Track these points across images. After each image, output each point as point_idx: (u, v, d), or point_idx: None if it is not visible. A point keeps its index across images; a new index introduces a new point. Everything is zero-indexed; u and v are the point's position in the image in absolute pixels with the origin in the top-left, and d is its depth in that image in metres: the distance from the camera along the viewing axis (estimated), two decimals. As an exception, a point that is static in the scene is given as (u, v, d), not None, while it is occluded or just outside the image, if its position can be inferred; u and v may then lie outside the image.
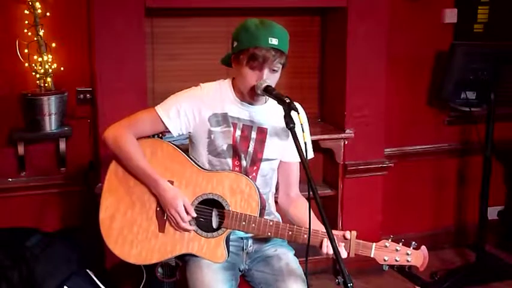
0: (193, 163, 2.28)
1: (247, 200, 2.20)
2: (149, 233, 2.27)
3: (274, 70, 2.18)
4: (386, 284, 3.71)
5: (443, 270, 3.77)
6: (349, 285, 1.82)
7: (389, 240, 2.15)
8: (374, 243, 2.14)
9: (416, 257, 2.14)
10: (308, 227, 2.05)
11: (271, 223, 2.17)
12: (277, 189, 2.48)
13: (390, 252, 2.14)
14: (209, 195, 2.23)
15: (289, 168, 2.39)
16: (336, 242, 1.96)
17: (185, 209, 2.20)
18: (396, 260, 2.14)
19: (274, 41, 2.12)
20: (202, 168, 2.28)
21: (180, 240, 2.24)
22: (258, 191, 2.22)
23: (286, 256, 2.33)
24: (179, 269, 2.39)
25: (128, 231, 2.28)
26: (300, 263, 2.32)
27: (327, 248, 2.12)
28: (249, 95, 2.22)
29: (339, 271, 1.87)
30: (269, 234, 2.18)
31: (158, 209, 2.27)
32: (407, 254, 2.14)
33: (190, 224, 2.23)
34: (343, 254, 2.10)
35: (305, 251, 2.05)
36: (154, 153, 2.29)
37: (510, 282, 3.68)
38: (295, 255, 2.37)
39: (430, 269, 3.81)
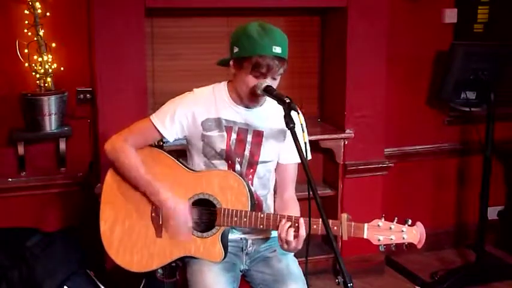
0: (183, 166, 2.31)
1: (237, 195, 2.21)
2: (147, 239, 2.29)
3: (275, 78, 2.18)
4: (386, 284, 3.71)
5: (443, 270, 3.77)
6: (349, 285, 1.81)
7: (383, 219, 2.08)
8: (366, 224, 2.08)
9: (412, 233, 2.06)
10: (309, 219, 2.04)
11: (262, 215, 2.17)
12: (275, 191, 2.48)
13: (384, 231, 2.06)
14: (200, 195, 2.25)
15: (285, 170, 2.38)
16: (327, 234, 1.92)
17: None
18: (391, 239, 2.06)
19: (278, 50, 2.12)
20: (191, 170, 2.31)
21: (177, 244, 2.26)
22: (247, 185, 2.23)
23: (286, 257, 2.33)
24: (179, 269, 2.39)
25: (128, 240, 2.30)
26: (299, 263, 2.32)
27: (285, 233, 2.09)
28: (249, 99, 2.23)
29: (339, 271, 1.86)
30: (261, 226, 2.18)
31: (153, 214, 2.29)
32: (402, 232, 2.06)
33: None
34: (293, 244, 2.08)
35: (305, 250, 2.04)
36: (145, 160, 2.31)
37: (510, 282, 3.68)
38: (294, 255, 2.37)
39: (430, 269, 3.83)
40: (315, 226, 2.07)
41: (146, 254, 2.28)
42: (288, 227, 2.10)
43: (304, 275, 2.22)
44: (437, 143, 4.10)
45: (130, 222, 2.31)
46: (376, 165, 3.70)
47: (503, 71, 3.61)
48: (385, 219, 2.08)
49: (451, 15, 3.94)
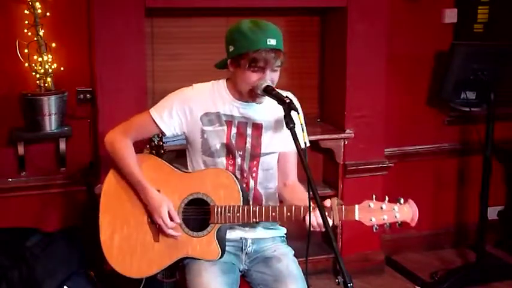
0: (176, 169, 2.32)
1: (229, 192, 2.22)
2: (145, 245, 2.29)
3: (274, 70, 2.19)
4: (386, 284, 3.71)
5: (443, 270, 3.77)
6: (349, 285, 1.81)
7: (373, 199, 2.07)
8: (357, 205, 2.06)
9: (404, 211, 2.05)
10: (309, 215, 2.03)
11: (254, 208, 2.17)
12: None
13: (376, 212, 2.05)
14: (194, 195, 2.25)
15: (285, 158, 2.38)
16: (323, 222, 1.91)
17: (170, 216, 2.22)
18: (384, 219, 2.04)
19: (272, 42, 2.13)
20: (185, 171, 2.33)
21: (174, 246, 2.26)
22: (238, 180, 2.23)
23: (286, 257, 2.33)
24: (179, 269, 2.39)
25: (127, 247, 2.31)
26: (299, 263, 2.32)
27: (316, 219, 2.05)
28: (250, 96, 2.23)
29: (339, 271, 1.85)
30: (254, 220, 2.18)
31: (149, 219, 2.30)
32: (394, 210, 2.04)
33: (178, 229, 2.25)
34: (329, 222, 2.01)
35: (304, 250, 2.04)
36: (140, 167, 2.32)
37: (510, 282, 3.68)
38: (294, 255, 2.37)
39: (430, 269, 3.83)
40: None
41: (145, 259, 2.29)
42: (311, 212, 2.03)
43: (304, 275, 2.22)
44: (437, 143, 4.10)
45: (128, 228, 2.31)
46: (376, 165, 3.70)
47: (503, 71, 3.61)
48: (376, 200, 2.07)
49: (451, 15, 3.94)
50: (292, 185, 2.38)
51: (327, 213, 2.04)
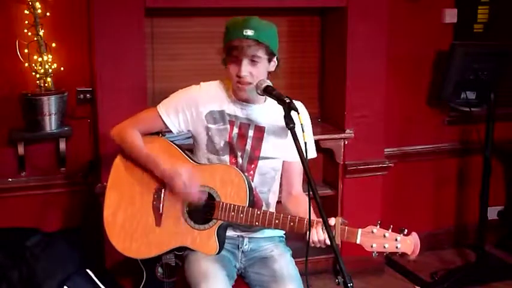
0: (188, 158, 2.34)
1: (236, 190, 2.22)
2: (147, 227, 2.31)
3: (254, 61, 2.18)
4: (386, 284, 3.71)
5: (443, 270, 3.77)
6: (349, 285, 1.81)
7: (378, 226, 2.05)
8: (360, 229, 2.04)
9: (406, 243, 2.02)
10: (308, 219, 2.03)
11: (258, 212, 2.17)
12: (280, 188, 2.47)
13: (378, 239, 2.02)
14: (201, 187, 2.26)
15: (290, 168, 2.39)
16: (327, 234, 1.91)
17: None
18: (384, 247, 2.01)
19: (249, 32, 2.15)
20: (196, 162, 2.34)
21: (175, 234, 2.28)
22: (248, 180, 2.23)
23: (283, 257, 2.33)
24: (179, 269, 2.39)
25: (129, 226, 2.33)
26: (299, 264, 2.32)
27: (316, 235, 2.06)
28: (237, 90, 2.24)
29: (339, 271, 1.85)
30: (256, 223, 2.18)
31: (155, 203, 2.32)
32: (396, 240, 2.01)
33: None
34: (328, 240, 2.01)
35: (304, 250, 2.04)
36: (152, 148, 2.35)
37: (510, 282, 3.68)
38: (294, 255, 2.37)
39: (430, 269, 3.83)
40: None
41: (145, 241, 2.31)
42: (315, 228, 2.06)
43: (304, 275, 2.22)
44: (437, 143, 4.10)
45: (132, 209, 2.34)
46: (376, 165, 3.70)
47: (503, 71, 3.61)
48: (380, 226, 2.04)
49: (451, 15, 3.94)
50: (296, 196, 2.38)
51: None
